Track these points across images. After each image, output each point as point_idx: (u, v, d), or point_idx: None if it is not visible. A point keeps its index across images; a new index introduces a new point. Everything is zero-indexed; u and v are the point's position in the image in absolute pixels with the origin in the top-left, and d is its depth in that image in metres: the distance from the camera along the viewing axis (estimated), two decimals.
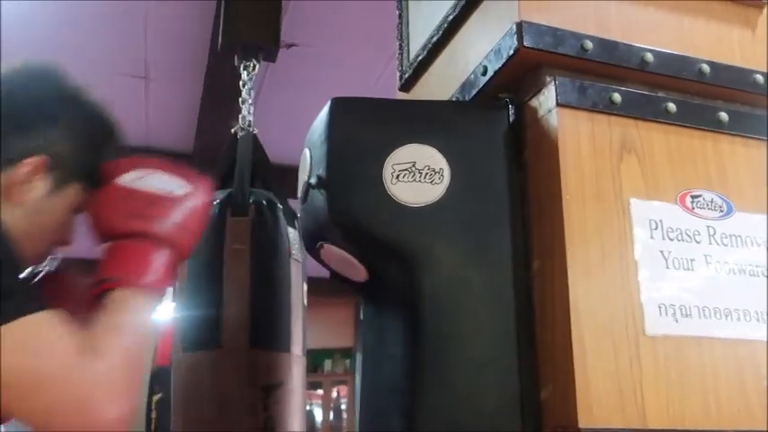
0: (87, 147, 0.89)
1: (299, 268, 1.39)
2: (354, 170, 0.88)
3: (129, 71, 3.39)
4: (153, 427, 3.19)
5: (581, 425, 0.72)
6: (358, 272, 0.92)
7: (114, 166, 0.87)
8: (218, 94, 3.28)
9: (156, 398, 3.18)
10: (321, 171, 0.88)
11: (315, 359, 8.26)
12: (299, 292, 1.38)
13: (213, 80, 3.22)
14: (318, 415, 8.23)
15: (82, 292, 0.83)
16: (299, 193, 0.97)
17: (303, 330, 1.37)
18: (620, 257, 0.82)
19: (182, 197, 0.85)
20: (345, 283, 0.98)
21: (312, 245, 0.95)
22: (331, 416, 8.12)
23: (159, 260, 0.81)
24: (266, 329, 1.29)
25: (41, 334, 0.68)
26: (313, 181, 0.89)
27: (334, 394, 8.19)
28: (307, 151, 0.96)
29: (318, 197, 0.89)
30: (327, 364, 8.19)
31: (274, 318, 1.32)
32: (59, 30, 3.05)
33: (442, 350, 0.82)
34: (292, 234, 1.42)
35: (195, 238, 0.87)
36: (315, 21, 3.06)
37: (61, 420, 0.67)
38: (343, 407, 8.10)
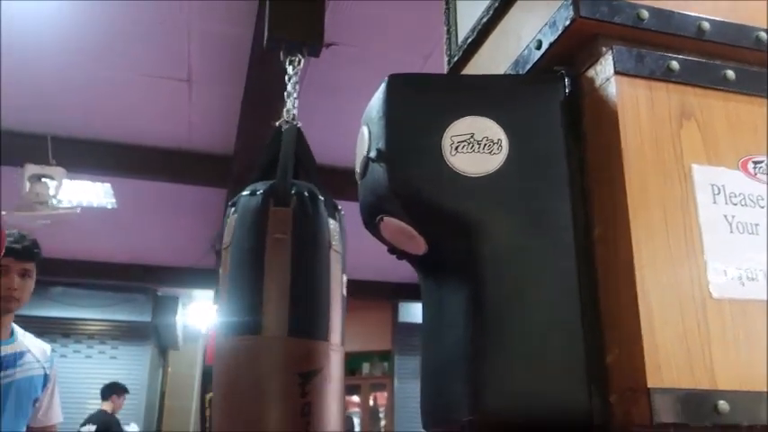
0: None
1: (338, 259, 1.41)
2: (413, 142, 0.89)
3: (172, 74, 3.47)
4: (207, 424, 3.25)
5: (650, 385, 0.72)
6: (417, 244, 0.93)
7: None
8: (259, 97, 3.33)
9: (209, 396, 3.25)
10: (381, 144, 0.90)
11: (353, 362, 8.29)
12: (338, 283, 1.39)
13: (254, 82, 3.28)
14: (357, 421, 8.24)
15: None
16: (357, 169, 0.98)
17: (342, 320, 1.39)
18: (684, 222, 0.82)
19: None
20: (404, 258, 1.00)
21: (371, 219, 0.97)
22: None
23: None
24: (305, 318, 1.31)
25: None
26: (373, 155, 0.91)
27: (371, 402, 8.20)
28: (364, 129, 0.97)
29: (378, 170, 0.91)
30: (366, 367, 8.20)
31: (313, 307, 1.33)
32: (103, 35, 3.14)
33: (504, 317, 0.83)
34: (333, 225, 1.43)
35: None
36: (352, 21, 3.09)
37: None
38: (381, 414, 8.10)
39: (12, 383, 2.06)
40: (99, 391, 6.08)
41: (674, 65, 0.89)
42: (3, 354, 2.07)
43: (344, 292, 1.43)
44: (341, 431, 1.31)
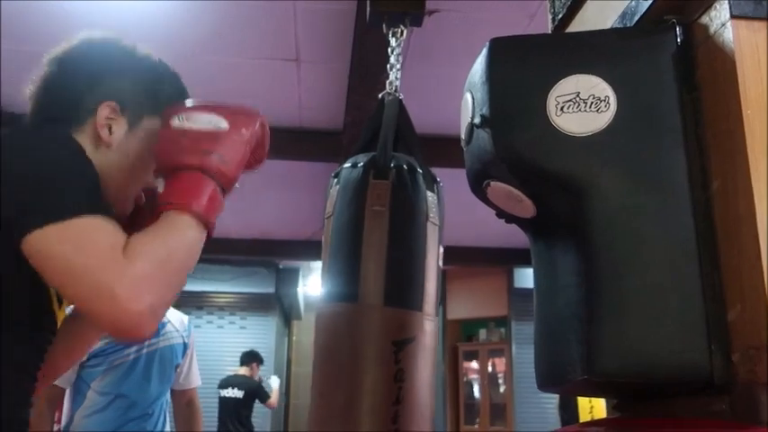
0: (147, 89, 1.00)
1: (435, 232, 1.42)
2: (517, 106, 0.89)
3: (280, 55, 3.59)
4: None
5: None
6: (525, 208, 0.94)
7: (169, 110, 0.95)
8: (365, 70, 3.38)
9: None
10: (484, 110, 0.91)
11: (469, 328, 8.34)
12: (434, 255, 1.41)
13: (359, 56, 3.32)
14: (476, 387, 8.30)
15: (148, 216, 0.92)
16: (462, 136, 1.00)
17: (436, 291, 1.40)
18: None
19: (225, 132, 0.92)
20: (513, 221, 1.00)
21: (478, 185, 0.98)
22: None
23: (206, 189, 0.89)
24: (400, 288, 1.34)
25: (89, 233, 0.79)
26: (477, 121, 0.92)
27: (490, 368, 8.21)
28: (468, 95, 0.98)
29: (483, 136, 0.91)
30: (482, 333, 8.22)
31: (409, 277, 1.35)
32: (213, 25, 3.29)
33: (618, 276, 0.82)
34: (431, 198, 1.45)
35: (238, 169, 0.93)
36: None
37: (92, 307, 0.77)
38: (501, 380, 8.10)
39: (156, 351, 2.26)
40: (234, 358, 6.44)
41: None
42: None
43: (440, 263, 1.45)
44: (432, 398, 1.34)
